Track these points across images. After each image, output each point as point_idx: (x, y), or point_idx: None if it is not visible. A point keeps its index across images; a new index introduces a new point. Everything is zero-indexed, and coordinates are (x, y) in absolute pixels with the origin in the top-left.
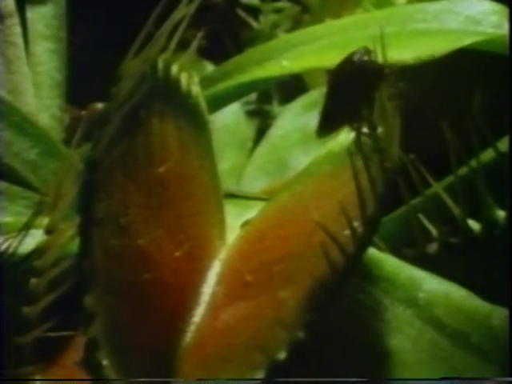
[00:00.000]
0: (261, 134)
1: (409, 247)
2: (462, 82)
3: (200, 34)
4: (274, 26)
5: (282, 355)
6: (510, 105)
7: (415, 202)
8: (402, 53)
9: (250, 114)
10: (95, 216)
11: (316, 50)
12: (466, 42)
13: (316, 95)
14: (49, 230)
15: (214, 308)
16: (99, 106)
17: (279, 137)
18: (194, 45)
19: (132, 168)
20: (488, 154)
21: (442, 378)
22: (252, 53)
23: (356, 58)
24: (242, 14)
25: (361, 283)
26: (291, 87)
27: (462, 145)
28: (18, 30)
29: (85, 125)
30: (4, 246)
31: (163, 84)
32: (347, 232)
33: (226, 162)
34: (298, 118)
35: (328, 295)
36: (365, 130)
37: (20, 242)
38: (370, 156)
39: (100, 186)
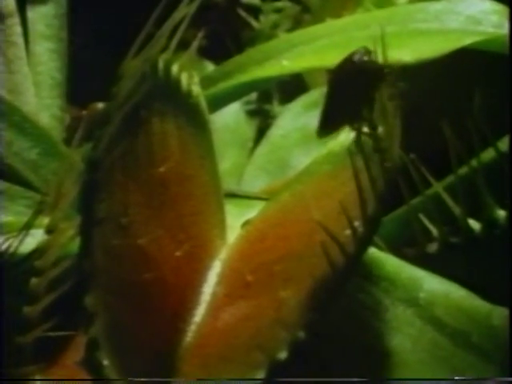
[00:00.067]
0: (261, 133)
1: (409, 247)
2: (462, 82)
3: (200, 34)
4: (275, 26)
5: (282, 355)
6: (510, 105)
7: (416, 201)
8: (403, 53)
9: (251, 113)
10: (96, 216)
11: (316, 49)
12: (467, 41)
13: (316, 95)
14: (49, 230)
15: (215, 308)
16: (100, 105)
17: (280, 136)
18: (195, 45)
19: (132, 168)
20: (488, 154)
21: (442, 378)
22: (252, 52)
23: (356, 57)
24: (242, 13)
25: (361, 283)
26: (292, 87)
27: (462, 144)
28: (18, 29)
29: (85, 125)
30: (4, 246)
31: (164, 84)
32: (348, 232)
33: (226, 162)
34: (298, 117)
35: (328, 295)
36: (365, 129)
37: (20, 242)
38: (370, 156)
39: (100, 185)
